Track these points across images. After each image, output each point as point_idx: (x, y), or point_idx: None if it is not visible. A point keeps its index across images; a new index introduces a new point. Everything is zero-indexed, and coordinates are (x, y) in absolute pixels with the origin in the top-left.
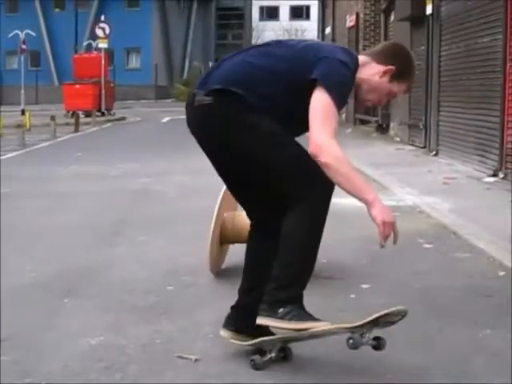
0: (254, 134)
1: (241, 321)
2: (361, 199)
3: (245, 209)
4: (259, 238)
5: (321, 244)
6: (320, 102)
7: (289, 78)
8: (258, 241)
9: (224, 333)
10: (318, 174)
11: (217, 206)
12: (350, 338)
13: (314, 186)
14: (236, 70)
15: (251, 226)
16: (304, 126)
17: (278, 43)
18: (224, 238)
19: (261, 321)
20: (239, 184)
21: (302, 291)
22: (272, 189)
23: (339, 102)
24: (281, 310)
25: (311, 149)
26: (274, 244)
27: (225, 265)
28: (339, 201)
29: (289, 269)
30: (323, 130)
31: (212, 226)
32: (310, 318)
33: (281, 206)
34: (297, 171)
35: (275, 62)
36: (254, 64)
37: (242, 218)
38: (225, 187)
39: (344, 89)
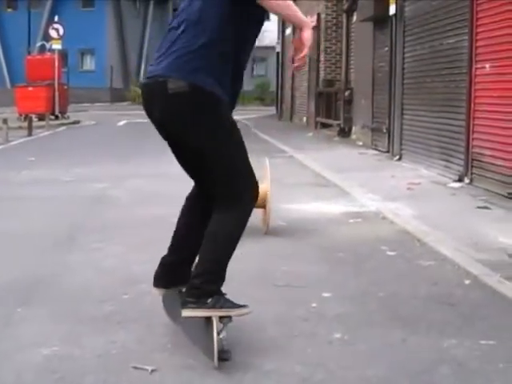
0: (222, 128)
1: (167, 277)
2: (299, 23)
3: (185, 171)
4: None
5: (282, 252)
6: None
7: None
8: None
9: (155, 291)
10: (254, 185)
11: None
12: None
13: (248, 194)
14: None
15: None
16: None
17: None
18: None
19: (190, 313)
20: (193, 166)
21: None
22: (217, 179)
23: None
24: (209, 300)
25: None
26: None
27: None
28: (300, 207)
29: (218, 264)
30: None
31: None
32: (234, 304)
33: (214, 193)
34: (240, 176)
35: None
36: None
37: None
38: None
39: None
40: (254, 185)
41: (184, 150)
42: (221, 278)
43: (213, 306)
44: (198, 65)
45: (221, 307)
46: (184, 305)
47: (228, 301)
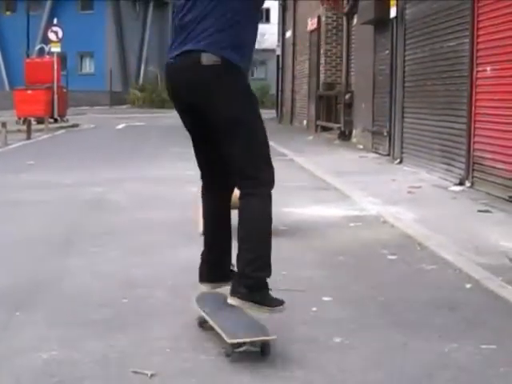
0: (248, 97)
1: (213, 272)
2: None
3: (201, 168)
4: (210, 195)
5: (282, 256)
6: None
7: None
8: (210, 198)
9: (202, 286)
10: (271, 165)
11: None
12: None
13: (268, 170)
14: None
15: (203, 186)
16: None
17: None
18: None
19: (238, 303)
20: (211, 144)
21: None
22: (238, 153)
23: None
24: (258, 295)
25: None
26: (222, 200)
27: (178, 279)
28: (300, 211)
29: (261, 250)
30: None
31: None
32: (278, 302)
33: (231, 174)
34: (261, 150)
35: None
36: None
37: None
38: None
39: None
40: (272, 166)
41: (206, 133)
42: (268, 264)
43: (261, 303)
44: (227, 42)
45: (269, 305)
46: (234, 293)
47: (273, 299)
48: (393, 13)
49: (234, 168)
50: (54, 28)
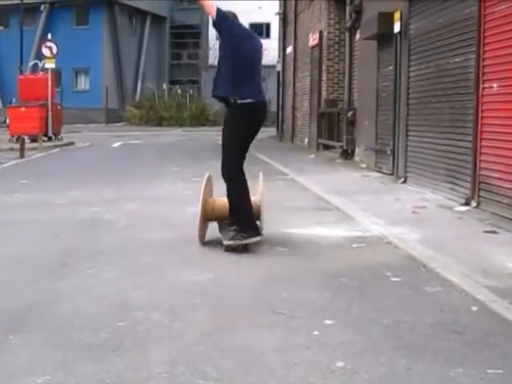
0: None
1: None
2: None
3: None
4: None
5: (282, 278)
6: None
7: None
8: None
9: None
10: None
11: (201, 191)
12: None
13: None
14: None
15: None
16: None
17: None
18: (206, 217)
19: (230, 243)
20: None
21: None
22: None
23: None
24: (239, 235)
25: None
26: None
27: (176, 301)
28: (301, 232)
29: (238, 220)
30: None
31: (199, 207)
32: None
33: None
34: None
35: None
36: None
37: (220, 203)
38: (206, 176)
39: None
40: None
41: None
42: (246, 230)
43: (241, 238)
44: None
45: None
46: (229, 238)
47: (249, 234)
48: (396, 28)
49: None
50: (48, 43)
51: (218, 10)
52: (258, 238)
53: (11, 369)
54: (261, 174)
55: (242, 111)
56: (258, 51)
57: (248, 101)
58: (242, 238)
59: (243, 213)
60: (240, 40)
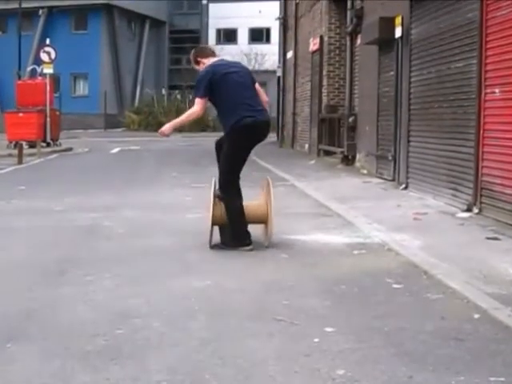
0: None
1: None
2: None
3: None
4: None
5: (283, 285)
6: None
7: None
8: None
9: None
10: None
11: (211, 196)
12: None
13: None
14: None
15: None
16: None
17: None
18: (215, 222)
19: (221, 245)
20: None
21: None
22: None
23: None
24: (231, 242)
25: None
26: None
27: (175, 308)
28: (302, 238)
29: (233, 232)
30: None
31: (210, 208)
32: (244, 242)
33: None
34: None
35: None
36: None
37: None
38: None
39: None
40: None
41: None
42: (236, 237)
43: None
44: None
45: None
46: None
47: (241, 243)
48: (398, 32)
49: None
50: (47, 48)
51: (197, 92)
52: (247, 248)
53: (9, 377)
54: (268, 178)
55: (237, 132)
56: (245, 75)
57: (242, 123)
58: (232, 246)
59: (237, 222)
60: (222, 78)
